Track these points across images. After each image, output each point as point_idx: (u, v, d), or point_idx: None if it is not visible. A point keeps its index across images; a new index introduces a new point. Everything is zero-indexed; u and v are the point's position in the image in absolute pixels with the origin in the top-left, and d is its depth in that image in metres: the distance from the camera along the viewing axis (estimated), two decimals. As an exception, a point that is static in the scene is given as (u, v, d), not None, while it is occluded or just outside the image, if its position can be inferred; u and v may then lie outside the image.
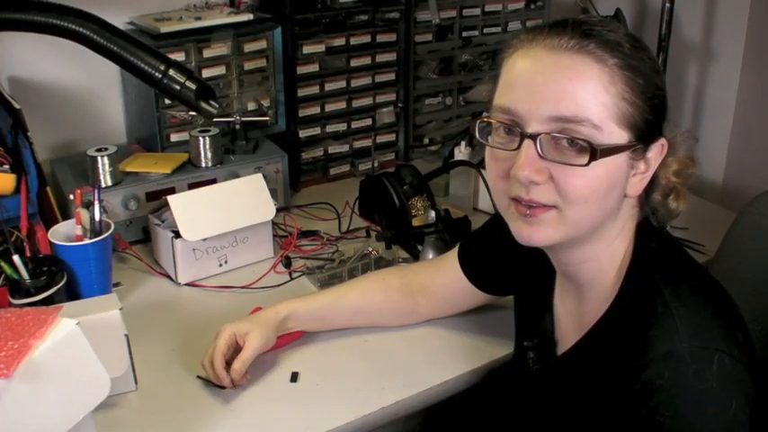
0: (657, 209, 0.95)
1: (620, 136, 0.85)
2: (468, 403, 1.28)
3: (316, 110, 1.88)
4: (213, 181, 1.62)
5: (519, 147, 0.86)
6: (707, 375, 0.82)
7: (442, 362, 1.25)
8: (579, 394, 0.95)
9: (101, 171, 1.53)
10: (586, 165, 0.84)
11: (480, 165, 1.75)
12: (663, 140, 0.90)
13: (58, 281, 1.25)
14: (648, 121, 0.87)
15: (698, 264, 0.96)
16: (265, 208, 1.52)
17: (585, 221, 0.89)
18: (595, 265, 0.94)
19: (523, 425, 1.10)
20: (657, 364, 0.83)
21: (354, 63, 1.90)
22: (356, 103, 1.93)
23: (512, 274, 1.16)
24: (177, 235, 1.43)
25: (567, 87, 0.84)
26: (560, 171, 0.85)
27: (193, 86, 1.42)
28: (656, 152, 0.90)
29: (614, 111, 0.85)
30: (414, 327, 1.33)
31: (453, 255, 1.27)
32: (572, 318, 1.01)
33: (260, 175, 1.56)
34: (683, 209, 0.95)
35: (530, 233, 0.90)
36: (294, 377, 1.21)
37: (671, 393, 0.82)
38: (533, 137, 0.85)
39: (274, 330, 1.23)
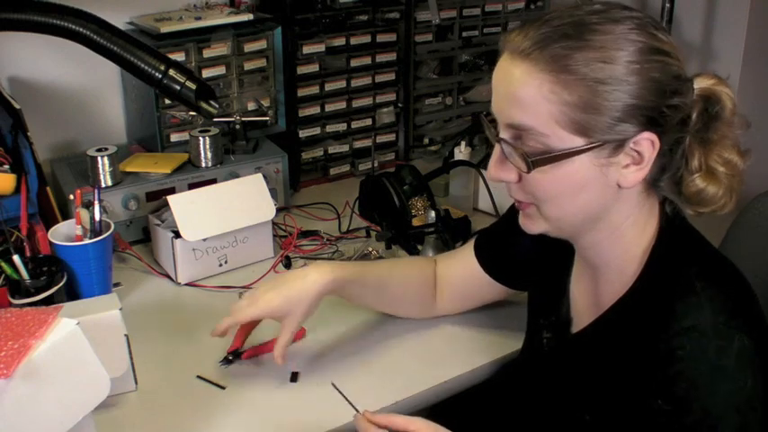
0: (677, 193, 0.93)
1: (572, 141, 0.86)
2: (474, 397, 1.28)
3: (316, 110, 1.88)
4: (213, 181, 1.62)
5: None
6: (727, 352, 0.83)
7: (442, 362, 1.25)
8: (596, 369, 0.97)
9: (101, 171, 1.53)
10: (527, 172, 0.88)
11: (480, 165, 1.75)
12: (647, 135, 0.86)
13: (58, 281, 1.25)
14: (614, 122, 0.85)
15: (717, 250, 0.98)
16: (265, 208, 1.52)
17: (565, 216, 0.92)
18: (607, 250, 0.96)
19: (535, 407, 1.10)
20: (680, 336, 0.85)
21: (354, 63, 1.90)
22: (356, 103, 1.93)
23: (527, 263, 1.17)
24: (177, 235, 1.43)
25: (514, 95, 0.87)
26: (524, 173, 0.90)
27: (193, 86, 1.42)
28: (647, 146, 0.87)
29: (559, 117, 0.85)
30: (414, 326, 1.33)
31: (470, 244, 1.29)
32: (588, 298, 1.03)
33: (260, 175, 1.56)
34: (715, 193, 0.91)
35: (524, 223, 0.98)
36: (294, 377, 1.21)
37: (689, 365, 0.84)
38: (499, 141, 0.91)
39: (311, 308, 1.18)
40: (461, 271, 1.29)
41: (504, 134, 0.90)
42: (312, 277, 1.17)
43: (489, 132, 0.97)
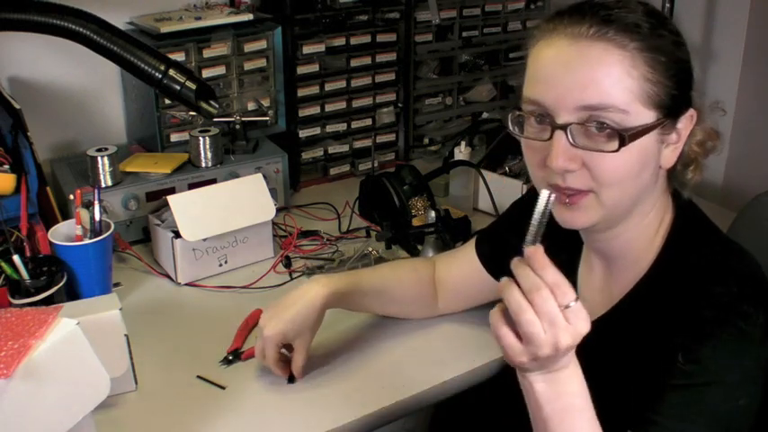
0: (682, 181, 0.97)
1: (647, 116, 0.87)
2: (475, 396, 1.27)
3: (316, 110, 1.88)
4: (213, 181, 1.62)
5: (551, 137, 0.88)
6: (754, 322, 0.85)
7: (442, 362, 1.25)
8: (612, 355, 0.97)
9: (101, 171, 1.53)
10: (616, 151, 0.86)
11: (480, 165, 1.75)
12: (692, 111, 0.92)
13: (58, 281, 1.25)
14: (674, 96, 0.89)
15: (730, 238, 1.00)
16: (265, 208, 1.52)
17: (623, 201, 0.91)
18: (629, 239, 0.97)
19: None
20: (708, 300, 0.86)
21: (354, 63, 1.90)
22: (356, 103, 1.93)
23: None
24: (177, 235, 1.43)
25: (590, 76, 0.86)
26: (592, 157, 0.88)
27: (193, 86, 1.42)
28: (686, 122, 0.92)
29: (639, 93, 0.86)
30: (414, 326, 1.33)
31: (471, 243, 1.28)
32: (597, 290, 1.04)
33: (260, 175, 1.56)
34: (698, 181, 0.97)
35: (570, 218, 0.93)
36: (291, 379, 1.20)
37: (717, 328, 0.85)
38: (563, 127, 0.87)
39: (318, 323, 1.18)
40: (462, 271, 1.29)
41: (572, 119, 0.87)
42: (310, 295, 1.17)
43: (534, 125, 0.91)
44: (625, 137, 0.85)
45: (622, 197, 0.91)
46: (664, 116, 0.88)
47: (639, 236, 0.96)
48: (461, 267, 1.29)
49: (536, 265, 0.79)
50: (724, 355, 0.85)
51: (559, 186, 0.90)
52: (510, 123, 0.93)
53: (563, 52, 0.88)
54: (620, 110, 0.85)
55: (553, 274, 0.79)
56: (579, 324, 0.80)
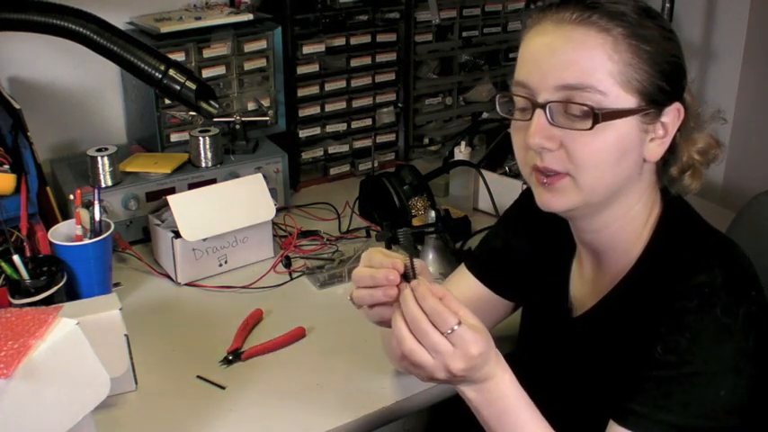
0: (674, 183, 0.97)
1: (626, 101, 0.88)
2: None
3: (316, 110, 1.88)
4: (213, 181, 1.62)
5: (532, 116, 0.90)
6: (734, 312, 0.86)
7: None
8: (602, 346, 0.98)
9: (101, 171, 1.53)
10: (590, 129, 0.87)
11: (480, 165, 1.75)
12: (677, 105, 0.91)
13: (58, 281, 1.25)
14: (660, 87, 0.89)
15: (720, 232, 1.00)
16: (265, 208, 1.52)
17: (600, 186, 0.91)
18: (616, 231, 0.97)
19: (537, 396, 1.09)
20: (690, 290, 0.87)
21: (354, 63, 1.90)
22: (356, 103, 1.93)
23: (526, 266, 1.15)
24: (177, 235, 1.43)
25: (571, 57, 0.88)
26: (570, 137, 0.89)
27: (193, 86, 1.42)
28: (673, 116, 0.92)
29: (619, 77, 0.87)
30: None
31: (460, 273, 1.22)
32: (588, 283, 1.04)
33: (260, 175, 1.56)
34: (697, 189, 0.97)
35: (548, 200, 0.94)
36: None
37: (696, 319, 0.86)
38: (543, 106, 0.89)
39: None
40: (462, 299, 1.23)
41: (551, 98, 0.89)
42: None
43: (521, 107, 0.93)
44: (599, 115, 0.86)
45: (599, 183, 0.91)
46: (646, 104, 0.89)
47: (626, 228, 0.97)
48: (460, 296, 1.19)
49: (417, 296, 0.85)
50: (702, 346, 0.85)
51: (537, 166, 0.92)
52: (498, 106, 0.97)
53: (547, 35, 0.90)
54: (599, 91, 0.87)
55: (432, 303, 0.84)
56: (466, 347, 0.83)
